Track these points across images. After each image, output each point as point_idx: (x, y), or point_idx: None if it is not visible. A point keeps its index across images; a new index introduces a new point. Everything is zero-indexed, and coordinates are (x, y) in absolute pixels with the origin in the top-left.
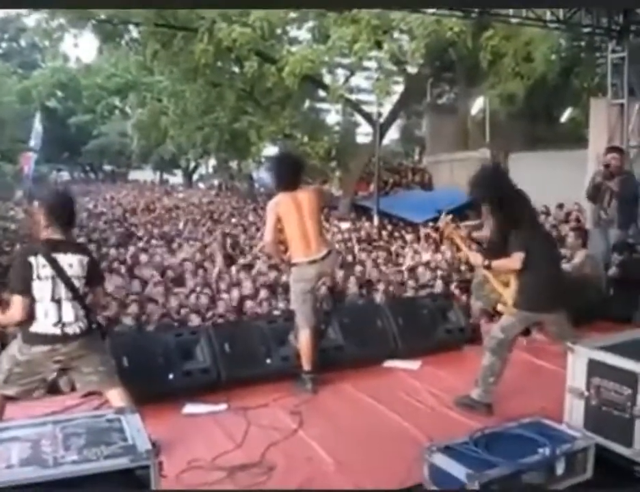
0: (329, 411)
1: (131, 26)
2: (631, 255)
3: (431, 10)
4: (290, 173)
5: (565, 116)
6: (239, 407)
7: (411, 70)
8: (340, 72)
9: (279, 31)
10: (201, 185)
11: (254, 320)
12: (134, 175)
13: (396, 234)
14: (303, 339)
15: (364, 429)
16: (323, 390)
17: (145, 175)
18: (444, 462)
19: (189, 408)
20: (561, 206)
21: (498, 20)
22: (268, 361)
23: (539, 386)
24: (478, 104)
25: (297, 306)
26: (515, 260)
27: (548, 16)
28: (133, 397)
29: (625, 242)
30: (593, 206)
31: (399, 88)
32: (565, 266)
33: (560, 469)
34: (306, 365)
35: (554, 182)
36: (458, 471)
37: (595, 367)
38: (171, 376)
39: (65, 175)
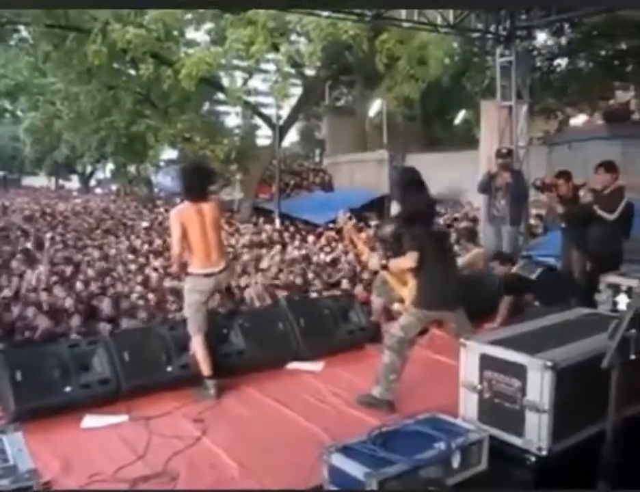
0: (233, 416)
1: (21, 26)
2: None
3: (325, 13)
4: (200, 184)
5: (458, 118)
6: (141, 417)
7: (309, 72)
8: (239, 75)
9: (175, 32)
10: (98, 190)
11: (153, 327)
12: (28, 181)
13: (298, 235)
14: (197, 346)
15: (269, 432)
16: (227, 395)
17: (40, 181)
18: (342, 462)
19: (88, 421)
20: (454, 205)
21: (390, 24)
22: (169, 368)
23: (439, 381)
24: (375, 107)
25: (189, 314)
26: (410, 258)
27: (439, 20)
28: (28, 412)
29: (503, 255)
30: (486, 203)
31: (298, 91)
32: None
33: (455, 462)
34: (206, 371)
35: (449, 181)
36: (356, 470)
37: (486, 361)
38: (68, 388)
39: None
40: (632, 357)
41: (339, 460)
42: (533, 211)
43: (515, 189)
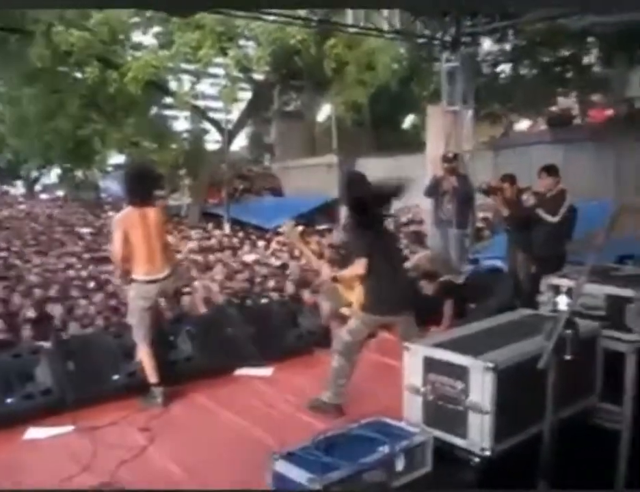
0: (181, 423)
1: None
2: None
3: (272, 18)
4: (143, 188)
5: (406, 122)
6: (86, 428)
7: (258, 77)
8: (187, 79)
9: (121, 36)
10: (44, 196)
11: (99, 335)
12: None
13: (248, 241)
14: (142, 353)
15: (217, 440)
16: (175, 403)
17: None
18: (285, 468)
19: (32, 432)
20: (402, 209)
21: (337, 29)
22: (115, 377)
23: (388, 384)
24: (325, 111)
25: (134, 322)
26: (359, 265)
27: (386, 26)
28: None
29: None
30: (433, 207)
31: (247, 95)
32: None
33: (400, 465)
34: (153, 378)
35: None
36: (300, 476)
37: (430, 364)
38: (9, 400)
39: None
40: (568, 357)
41: (283, 467)
42: (480, 214)
43: (461, 193)
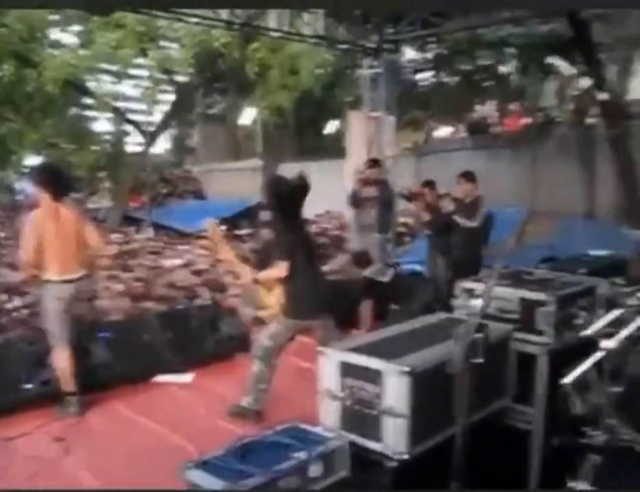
0: (97, 432)
1: None
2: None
3: (195, 20)
4: (55, 183)
5: (329, 128)
6: None
7: (181, 79)
8: (108, 79)
9: (39, 33)
10: None
11: (9, 343)
12: None
13: (170, 245)
14: (60, 360)
15: (134, 448)
16: (91, 411)
17: None
18: (199, 477)
19: None
20: (324, 214)
21: (260, 33)
22: (29, 385)
23: (309, 389)
24: (249, 115)
25: (50, 325)
26: (281, 268)
27: (309, 31)
28: None
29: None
30: (355, 213)
31: (171, 97)
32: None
33: (316, 470)
34: (67, 387)
35: (321, 190)
36: (213, 484)
37: (346, 368)
38: None
39: None
40: (479, 360)
41: (196, 476)
42: (401, 219)
43: (382, 199)
